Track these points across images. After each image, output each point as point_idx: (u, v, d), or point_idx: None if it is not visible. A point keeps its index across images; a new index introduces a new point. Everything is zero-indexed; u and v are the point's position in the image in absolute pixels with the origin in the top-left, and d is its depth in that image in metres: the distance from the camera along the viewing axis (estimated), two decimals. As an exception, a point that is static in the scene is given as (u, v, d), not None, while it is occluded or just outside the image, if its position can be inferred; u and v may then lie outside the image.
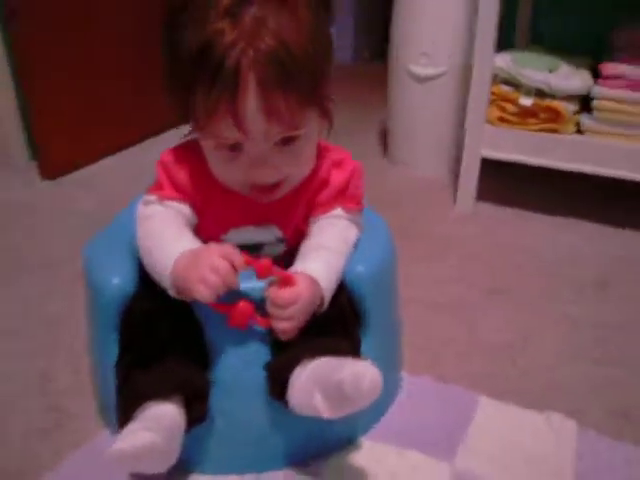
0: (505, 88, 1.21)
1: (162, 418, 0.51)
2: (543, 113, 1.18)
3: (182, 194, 0.60)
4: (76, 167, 1.55)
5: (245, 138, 0.52)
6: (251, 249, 0.62)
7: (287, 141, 0.54)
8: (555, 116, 1.17)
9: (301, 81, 0.51)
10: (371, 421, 0.67)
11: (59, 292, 0.97)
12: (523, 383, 0.77)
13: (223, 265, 0.51)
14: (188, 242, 0.56)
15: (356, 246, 0.64)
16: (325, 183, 0.62)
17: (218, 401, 0.58)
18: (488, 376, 0.78)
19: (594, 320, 0.91)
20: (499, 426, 0.68)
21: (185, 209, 0.60)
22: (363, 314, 0.63)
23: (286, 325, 0.53)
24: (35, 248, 1.14)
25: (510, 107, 1.21)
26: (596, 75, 1.20)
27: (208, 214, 0.61)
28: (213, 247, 0.53)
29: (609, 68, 1.15)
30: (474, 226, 1.24)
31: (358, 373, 0.48)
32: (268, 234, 0.63)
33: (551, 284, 1.02)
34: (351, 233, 0.64)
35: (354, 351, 0.57)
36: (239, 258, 0.52)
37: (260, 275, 0.54)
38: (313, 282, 0.55)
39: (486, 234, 1.21)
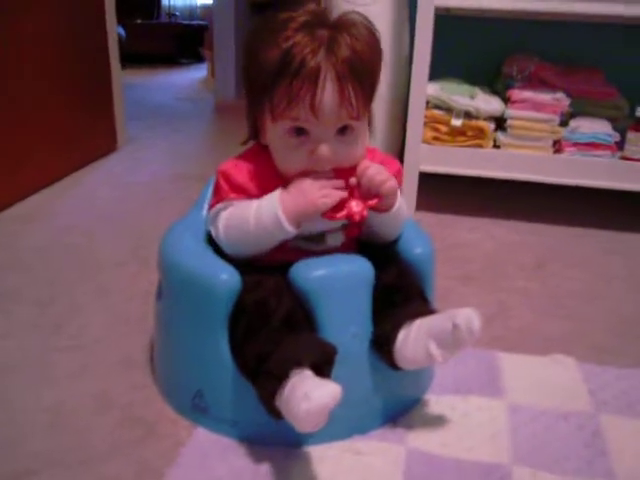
0: (437, 112, 1.44)
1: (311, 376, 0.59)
2: (471, 131, 1.43)
3: (243, 195, 0.70)
4: (10, 203, 1.49)
5: (317, 121, 0.65)
6: (315, 240, 0.73)
7: (345, 130, 0.67)
8: (480, 133, 1.42)
9: (366, 81, 0.66)
10: (428, 381, 0.80)
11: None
12: (518, 340, 0.95)
13: (326, 182, 0.66)
14: (266, 197, 0.68)
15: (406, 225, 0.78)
16: None
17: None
18: (493, 339, 0.94)
19: (541, 289, 1.14)
20: (521, 370, 0.84)
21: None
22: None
23: (382, 177, 0.68)
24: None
25: (442, 128, 1.44)
26: (503, 99, 1.48)
27: None
28: (307, 179, 0.66)
29: (516, 94, 1.43)
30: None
31: (468, 317, 0.61)
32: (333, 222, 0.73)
33: (499, 269, 1.24)
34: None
35: (434, 309, 0.70)
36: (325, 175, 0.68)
37: (339, 174, 0.69)
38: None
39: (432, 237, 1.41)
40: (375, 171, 0.68)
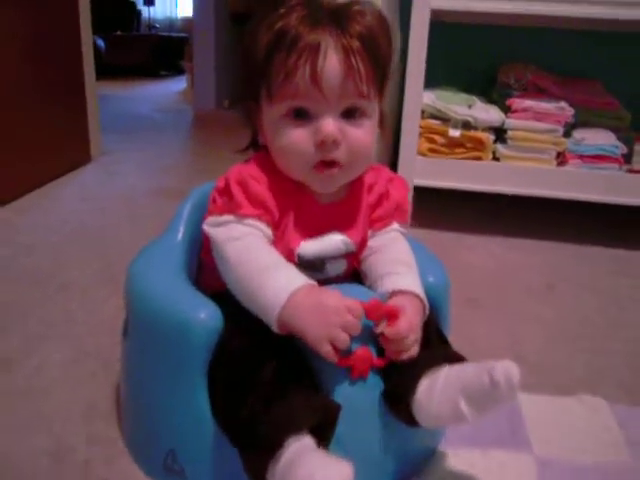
0: (433, 122, 1.35)
1: (315, 450, 0.48)
2: (469, 143, 1.33)
3: (261, 210, 0.58)
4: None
5: (319, 94, 0.54)
6: (313, 268, 0.62)
7: (353, 113, 0.57)
8: (479, 145, 1.33)
9: (377, 58, 0.56)
10: (442, 431, 0.69)
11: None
12: (537, 376, 0.84)
13: (353, 322, 0.51)
14: (291, 273, 0.54)
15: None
16: (385, 197, 0.66)
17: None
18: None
19: (554, 314, 1.04)
20: (546, 414, 0.74)
21: (265, 228, 0.58)
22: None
23: (412, 353, 0.55)
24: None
25: (439, 139, 1.34)
26: (501, 109, 1.39)
27: (282, 226, 0.60)
28: (337, 300, 0.51)
29: (517, 103, 1.35)
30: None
31: (508, 372, 0.50)
32: (339, 244, 0.63)
33: (506, 291, 1.14)
34: (409, 246, 0.67)
35: (460, 354, 0.59)
36: (358, 307, 0.52)
37: (370, 315, 0.54)
38: (416, 301, 0.58)
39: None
40: (407, 331, 0.54)
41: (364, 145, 0.59)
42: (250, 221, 0.57)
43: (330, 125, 0.55)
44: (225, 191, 0.59)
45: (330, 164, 0.57)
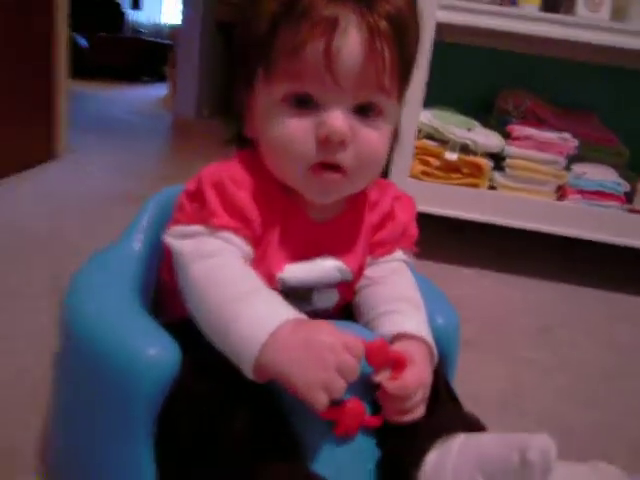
0: (429, 143, 1.25)
1: None
2: (466, 168, 1.24)
3: (239, 222, 0.46)
4: None
5: (331, 79, 0.44)
6: (299, 297, 0.51)
7: (369, 111, 0.46)
8: (477, 171, 1.24)
9: (406, 48, 0.46)
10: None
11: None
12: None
13: (352, 363, 0.39)
14: (275, 303, 0.43)
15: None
16: (390, 217, 0.55)
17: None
18: (510, 430, 0.73)
19: (553, 363, 0.95)
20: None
21: (243, 244, 0.47)
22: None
23: (417, 415, 0.44)
24: None
25: (434, 161, 1.25)
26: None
27: (264, 244, 0.49)
28: (333, 336, 0.40)
29: (517, 130, 1.27)
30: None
31: (544, 450, 0.39)
32: (332, 270, 0.52)
33: (500, 332, 1.04)
34: (414, 279, 0.56)
35: (476, 418, 0.48)
36: (359, 346, 0.40)
37: (372, 358, 0.43)
38: (424, 348, 0.47)
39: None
40: (415, 386, 0.44)
41: (376, 151, 0.48)
42: (225, 234, 0.46)
43: (339, 119, 0.44)
44: (197, 196, 0.47)
45: (332, 168, 0.46)
